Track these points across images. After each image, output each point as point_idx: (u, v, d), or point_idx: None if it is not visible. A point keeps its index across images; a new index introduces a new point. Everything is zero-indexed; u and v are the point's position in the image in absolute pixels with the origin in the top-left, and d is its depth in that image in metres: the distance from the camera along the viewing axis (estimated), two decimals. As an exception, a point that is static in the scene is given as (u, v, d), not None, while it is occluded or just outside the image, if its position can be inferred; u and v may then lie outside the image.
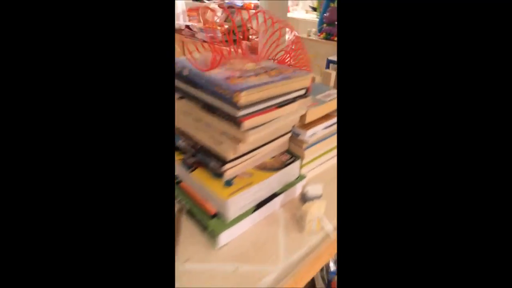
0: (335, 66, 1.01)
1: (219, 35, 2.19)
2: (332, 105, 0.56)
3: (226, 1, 2.58)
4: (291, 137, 0.52)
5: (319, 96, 0.56)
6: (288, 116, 0.47)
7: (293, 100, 0.46)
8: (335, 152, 0.60)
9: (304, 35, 1.60)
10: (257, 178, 0.46)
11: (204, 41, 2.20)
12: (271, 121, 0.44)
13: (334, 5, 1.44)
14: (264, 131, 0.44)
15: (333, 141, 0.58)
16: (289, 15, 2.21)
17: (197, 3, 2.73)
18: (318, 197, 0.43)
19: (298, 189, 0.52)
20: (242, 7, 2.42)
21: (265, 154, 0.49)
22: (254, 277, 0.39)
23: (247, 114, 0.40)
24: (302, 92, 0.47)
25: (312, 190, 0.43)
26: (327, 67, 1.08)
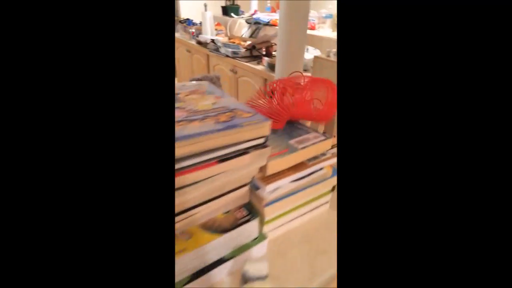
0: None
1: (242, 50, 2.16)
2: (306, 154, 0.47)
3: (254, 17, 2.56)
4: (251, 189, 0.44)
5: (293, 141, 0.47)
6: (237, 171, 0.39)
7: (245, 151, 0.38)
8: (306, 208, 0.51)
9: (324, 55, 1.50)
10: (195, 242, 0.38)
11: (227, 56, 2.18)
12: (210, 177, 0.36)
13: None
14: (199, 191, 0.36)
15: (305, 196, 0.49)
16: (314, 32, 2.13)
17: (226, 17, 2.74)
18: (262, 278, 0.35)
19: (256, 252, 0.43)
20: (268, 23, 2.38)
21: (212, 211, 0.41)
22: None
23: (173, 171, 0.33)
24: (260, 141, 0.39)
25: (254, 270, 0.35)
26: (336, 94, 0.97)
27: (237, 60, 2.11)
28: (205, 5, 2.47)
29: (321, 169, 0.48)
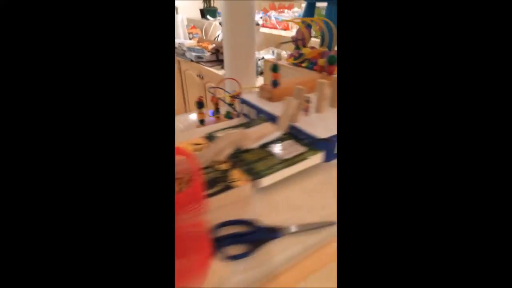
0: (254, 111, 0.73)
1: (207, 54, 2.02)
2: None
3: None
4: None
5: None
6: None
7: None
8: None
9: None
10: None
11: (192, 60, 2.05)
12: None
13: (303, 25, 1.15)
14: None
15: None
16: (288, 33, 1.96)
17: (204, 20, 2.61)
18: None
19: None
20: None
21: None
22: None
23: None
24: None
25: None
26: (241, 111, 0.80)
27: (200, 65, 1.98)
28: (176, 8, 2.35)
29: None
